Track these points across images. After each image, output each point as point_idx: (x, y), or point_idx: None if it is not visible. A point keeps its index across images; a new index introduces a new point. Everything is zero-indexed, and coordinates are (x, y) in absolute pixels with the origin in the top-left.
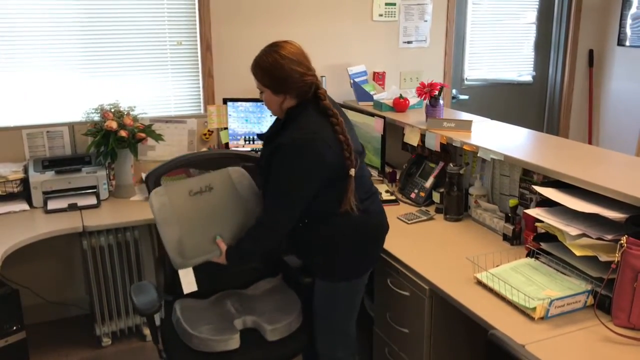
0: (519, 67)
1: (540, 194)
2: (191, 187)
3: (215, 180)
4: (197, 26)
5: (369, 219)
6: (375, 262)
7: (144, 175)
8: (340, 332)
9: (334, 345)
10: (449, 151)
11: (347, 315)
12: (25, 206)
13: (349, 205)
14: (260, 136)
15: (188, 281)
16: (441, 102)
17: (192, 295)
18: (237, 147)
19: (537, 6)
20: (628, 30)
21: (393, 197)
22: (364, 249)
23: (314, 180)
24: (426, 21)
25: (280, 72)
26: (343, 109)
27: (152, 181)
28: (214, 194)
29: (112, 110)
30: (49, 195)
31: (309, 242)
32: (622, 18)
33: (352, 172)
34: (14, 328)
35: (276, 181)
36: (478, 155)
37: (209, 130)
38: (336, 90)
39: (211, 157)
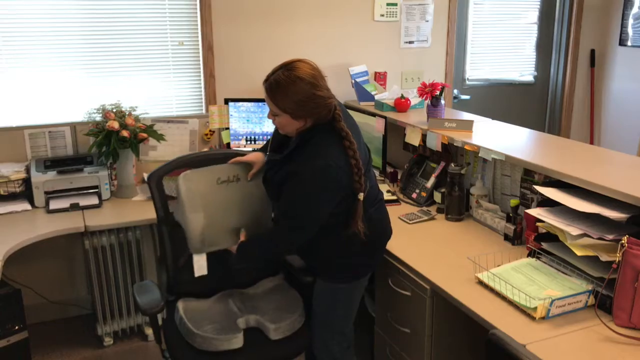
0: (520, 67)
1: (541, 194)
2: (219, 175)
3: (243, 172)
4: (199, 26)
5: (372, 226)
6: (375, 266)
7: (145, 175)
8: (337, 331)
9: (331, 343)
10: (450, 151)
11: (344, 316)
12: (27, 206)
13: (356, 228)
14: (273, 153)
15: (200, 265)
16: (442, 102)
17: (193, 294)
18: (238, 147)
19: (538, 6)
20: (630, 30)
21: (394, 197)
22: (364, 255)
23: (328, 205)
24: (427, 21)
25: (304, 99)
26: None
27: (155, 181)
28: (240, 185)
29: (114, 110)
30: (50, 195)
31: (310, 245)
32: (624, 18)
33: (361, 196)
34: (16, 328)
35: (290, 204)
36: (479, 155)
37: (210, 131)
38: (337, 90)
39: (213, 157)
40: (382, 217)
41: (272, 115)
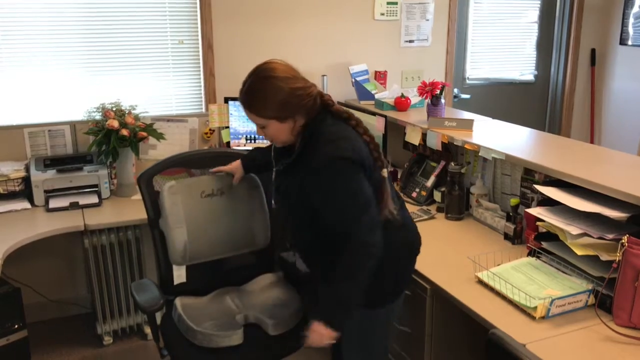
0: (520, 66)
1: (541, 193)
2: (204, 188)
3: (228, 186)
4: (199, 25)
5: (408, 234)
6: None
7: None
8: (380, 356)
9: None
10: (450, 150)
11: (386, 339)
12: (27, 205)
13: (387, 210)
14: (279, 162)
15: (179, 275)
16: (443, 101)
17: (190, 292)
18: (238, 146)
19: (539, 5)
20: (630, 29)
21: None
22: (405, 267)
23: (365, 182)
24: (428, 20)
25: (284, 96)
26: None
27: (145, 181)
28: (224, 199)
29: (114, 109)
30: (50, 194)
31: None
32: (625, 17)
33: (385, 172)
34: (16, 326)
35: (337, 203)
36: (479, 154)
37: (210, 129)
38: (337, 89)
39: (204, 156)
40: (412, 222)
41: (260, 130)
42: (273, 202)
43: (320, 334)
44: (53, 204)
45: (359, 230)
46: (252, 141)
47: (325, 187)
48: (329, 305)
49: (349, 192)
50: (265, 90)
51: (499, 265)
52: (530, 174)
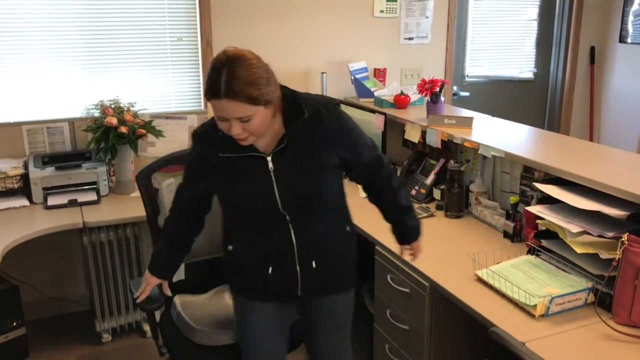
0: (520, 64)
1: (541, 191)
2: None
3: None
4: (198, 22)
5: None
6: None
7: None
8: (350, 341)
9: (352, 354)
10: (449, 148)
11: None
12: (26, 202)
13: None
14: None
15: (178, 271)
16: (442, 98)
17: (189, 290)
18: None
19: (538, 3)
20: (630, 27)
21: None
22: None
23: None
24: (427, 17)
25: (266, 74)
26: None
27: (143, 179)
28: None
29: (113, 106)
30: (49, 191)
31: (353, 247)
32: (624, 15)
33: None
34: (14, 324)
35: (362, 135)
36: (479, 152)
37: None
38: (337, 86)
39: None
40: None
41: (239, 126)
42: (277, 192)
43: (420, 247)
44: (51, 201)
45: (379, 152)
46: None
47: (350, 126)
48: (413, 222)
49: (357, 129)
50: (247, 72)
51: (498, 263)
52: (529, 172)
